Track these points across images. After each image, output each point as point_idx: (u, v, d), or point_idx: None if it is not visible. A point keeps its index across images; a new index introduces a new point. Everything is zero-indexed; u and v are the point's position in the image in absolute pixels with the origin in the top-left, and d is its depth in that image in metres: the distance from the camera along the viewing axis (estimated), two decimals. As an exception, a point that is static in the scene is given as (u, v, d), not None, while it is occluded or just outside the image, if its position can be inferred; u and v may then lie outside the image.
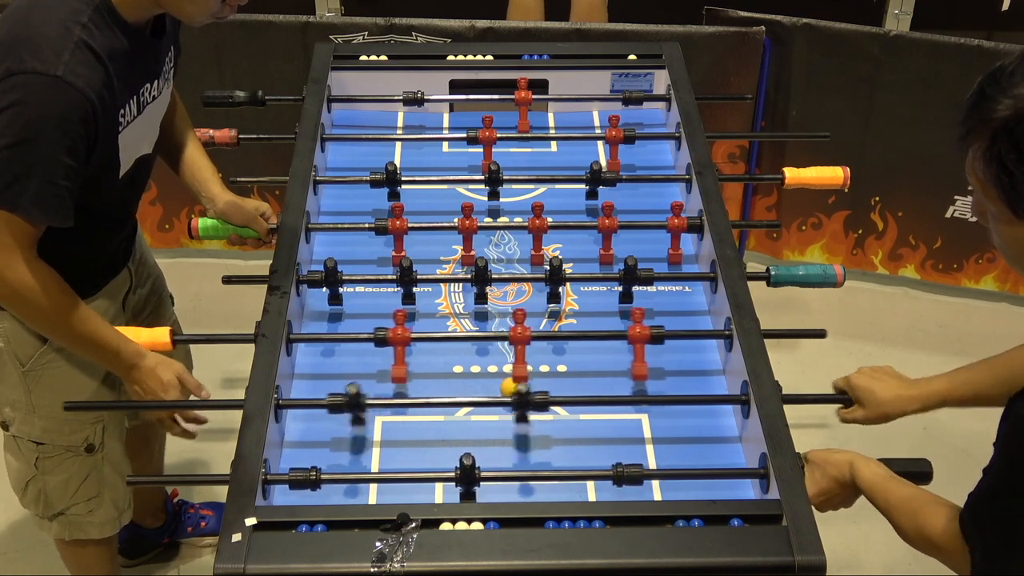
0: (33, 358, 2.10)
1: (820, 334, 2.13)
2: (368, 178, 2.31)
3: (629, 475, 1.74)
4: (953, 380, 1.88)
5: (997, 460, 1.44)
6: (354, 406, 1.84)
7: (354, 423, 1.89)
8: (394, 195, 2.33)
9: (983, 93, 1.34)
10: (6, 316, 2.06)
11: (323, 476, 1.74)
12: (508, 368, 2.01)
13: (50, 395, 2.13)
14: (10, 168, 1.76)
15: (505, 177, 2.31)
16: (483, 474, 1.74)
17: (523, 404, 1.85)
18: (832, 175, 2.42)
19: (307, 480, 1.73)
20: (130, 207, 2.18)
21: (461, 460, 1.73)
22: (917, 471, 1.79)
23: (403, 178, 2.32)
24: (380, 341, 1.95)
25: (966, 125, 1.37)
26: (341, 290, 2.11)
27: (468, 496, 1.74)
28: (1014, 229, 1.35)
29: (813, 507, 1.75)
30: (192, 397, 2.07)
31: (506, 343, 2.05)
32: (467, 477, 1.73)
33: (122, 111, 1.90)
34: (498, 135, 2.39)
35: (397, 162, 2.40)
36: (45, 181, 1.78)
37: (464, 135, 2.41)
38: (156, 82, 2.01)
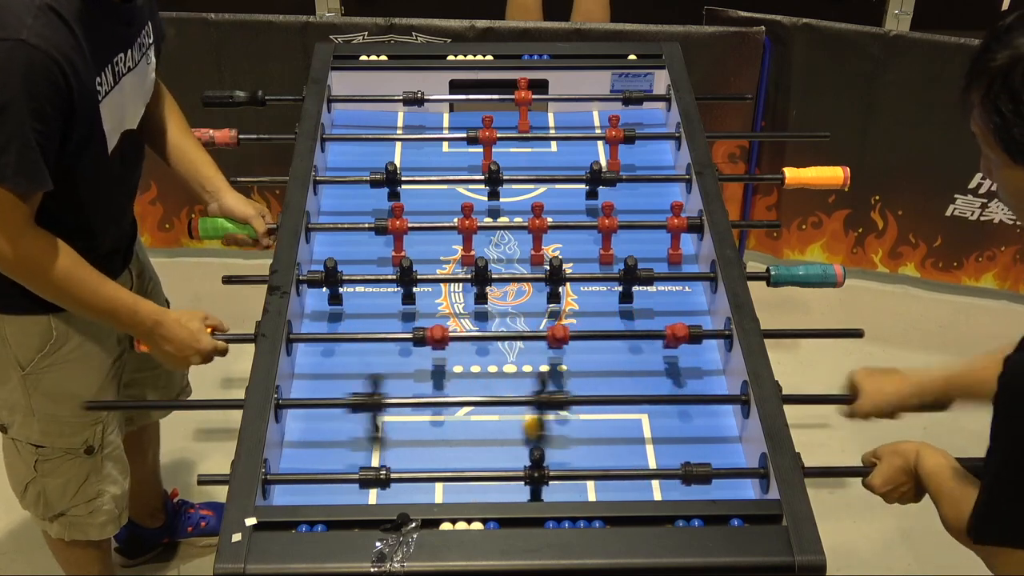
0: (33, 361, 2.10)
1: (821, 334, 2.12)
2: (368, 178, 2.31)
3: (699, 474, 1.75)
4: (953, 369, 1.90)
5: (995, 420, 1.46)
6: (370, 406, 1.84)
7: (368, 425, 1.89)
8: (394, 195, 2.33)
9: (985, 47, 1.41)
10: (8, 319, 2.06)
11: (324, 476, 1.74)
12: (509, 368, 2.01)
13: (49, 398, 2.13)
14: None
15: (505, 177, 2.31)
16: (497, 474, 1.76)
17: (543, 404, 1.84)
18: (832, 175, 2.42)
19: (376, 480, 1.73)
20: (126, 191, 2.17)
21: (531, 452, 1.73)
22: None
23: (403, 178, 2.32)
24: (419, 341, 1.95)
25: (968, 77, 1.43)
26: (341, 290, 2.11)
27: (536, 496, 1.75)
28: (1013, 174, 1.42)
29: (880, 496, 1.78)
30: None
31: (506, 343, 2.06)
32: (537, 471, 1.73)
33: (98, 79, 1.89)
34: (498, 135, 2.39)
35: (397, 162, 2.40)
36: (23, 147, 1.77)
37: (464, 135, 2.41)
38: (129, 51, 2.00)
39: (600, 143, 2.52)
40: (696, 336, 1.96)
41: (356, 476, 1.74)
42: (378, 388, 1.96)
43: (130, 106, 2.06)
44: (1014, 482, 1.45)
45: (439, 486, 1.79)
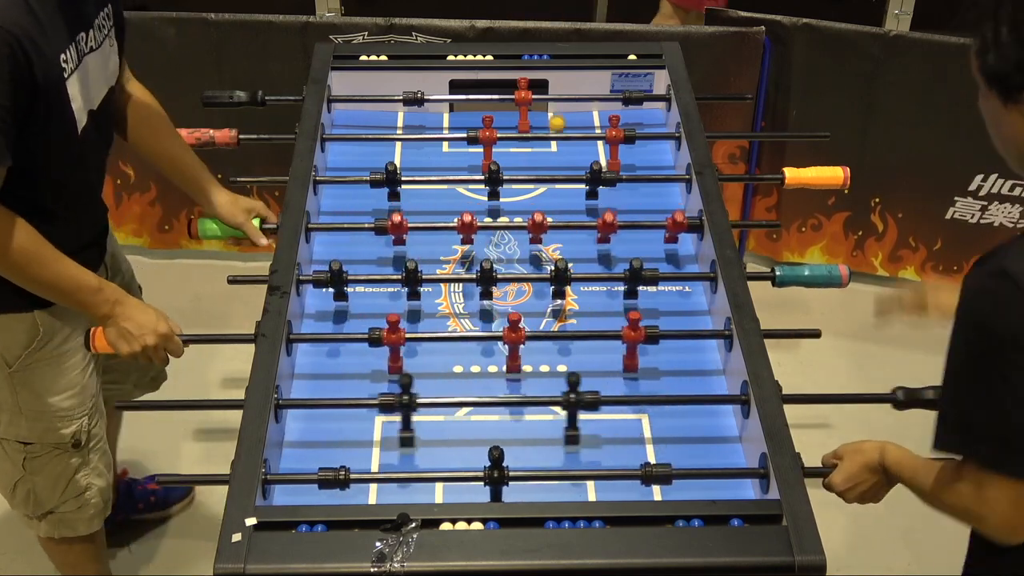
0: (20, 359, 2.10)
1: (815, 334, 2.12)
2: (368, 178, 2.31)
3: (658, 474, 1.75)
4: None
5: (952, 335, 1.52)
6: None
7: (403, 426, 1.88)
8: (394, 195, 2.33)
9: None
10: None
11: (330, 477, 1.74)
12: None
13: (37, 394, 2.14)
14: None
15: (505, 177, 2.31)
16: (512, 473, 1.75)
17: (572, 405, 1.85)
18: (832, 175, 2.42)
19: (335, 480, 1.73)
20: (97, 174, 2.18)
21: (491, 452, 1.73)
22: None
23: (403, 178, 2.32)
24: (374, 341, 1.95)
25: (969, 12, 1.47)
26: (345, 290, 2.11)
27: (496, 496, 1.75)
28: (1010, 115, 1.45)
29: (840, 497, 1.78)
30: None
31: (506, 343, 2.05)
32: (496, 469, 1.73)
33: (63, 56, 1.91)
34: (498, 135, 2.39)
35: (397, 162, 2.40)
36: None
37: (464, 135, 2.41)
38: (91, 31, 2.02)
39: (600, 143, 2.52)
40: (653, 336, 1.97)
41: (315, 476, 1.75)
42: (378, 388, 1.97)
43: (94, 86, 2.07)
44: (970, 390, 1.48)
45: (439, 486, 1.79)
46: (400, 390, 1.84)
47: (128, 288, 2.39)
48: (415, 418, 1.92)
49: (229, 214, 2.34)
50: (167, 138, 2.34)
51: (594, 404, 1.85)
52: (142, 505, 2.92)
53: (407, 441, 1.87)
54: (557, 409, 1.93)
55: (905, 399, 1.90)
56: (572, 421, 1.88)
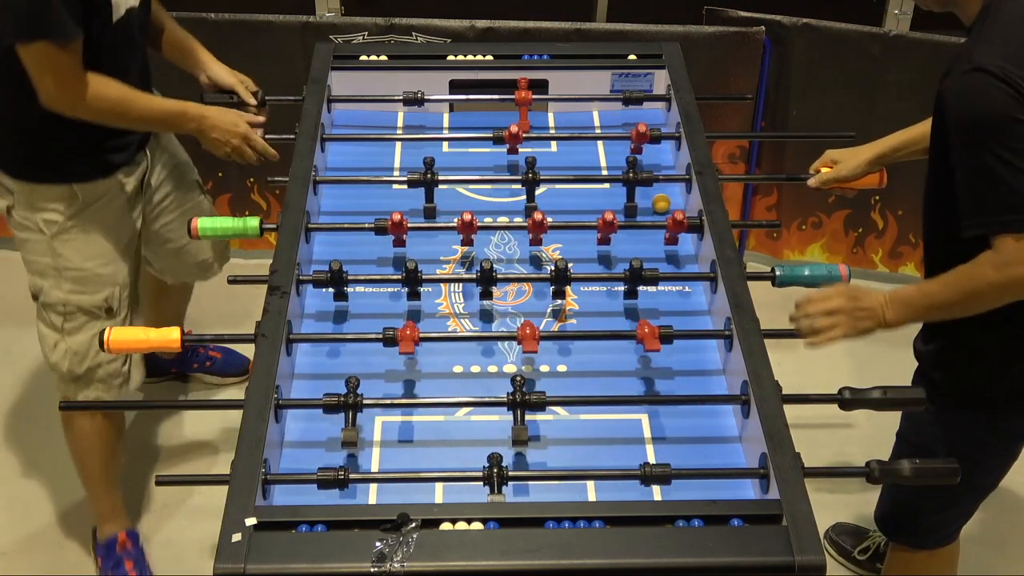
0: (59, 224, 2.38)
1: None
2: (368, 178, 2.31)
3: (656, 474, 1.75)
4: (897, 135, 2.47)
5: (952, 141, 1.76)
6: (351, 406, 1.84)
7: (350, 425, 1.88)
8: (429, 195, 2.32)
9: None
10: (37, 188, 2.34)
11: (324, 476, 1.74)
12: (509, 368, 2.01)
13: (75, 258, 2.41)
14: (23, 2, 2.06)
15: (506, 177, 2.31)
16: (511, 473, 1.76)
17: (520, 404, 1.85)
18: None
19: (335, 480, 1.74)
20: (134, 69, 2.39)
21: (490, 457, 1.75)
22: (943, 467, 1.79)
23: (401, 177, 2.32)
24: (388, 341, 1.95)
25: None
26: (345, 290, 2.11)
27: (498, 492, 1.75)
28: None
29: (804, 316, 1.91)
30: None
31: (506, 343, 2.06)
32: (496, 471, 1.74)
33: None
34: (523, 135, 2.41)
35: (397, 162, 2.40)
36: (57, 4, 2.06)
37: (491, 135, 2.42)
38: None
39: (600, 143, 2.52)
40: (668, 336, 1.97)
41: (314, 476, 1.75)
42: (378, 388, 1.97)
43: None
44: (983, 175, 1.72)
45: (439, 486, 1.79)
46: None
47: (181, 184, 2.70)
48: (415, 418, 1.93)
49: (225, 78, 2.60)
50: (174, 27, 2.63)
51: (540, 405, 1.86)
52: (196, 365, 3.25)
53: (350, 440, 1.85)
54: (558, 409, 1.94)
55: (851, 398, 1.89)
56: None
